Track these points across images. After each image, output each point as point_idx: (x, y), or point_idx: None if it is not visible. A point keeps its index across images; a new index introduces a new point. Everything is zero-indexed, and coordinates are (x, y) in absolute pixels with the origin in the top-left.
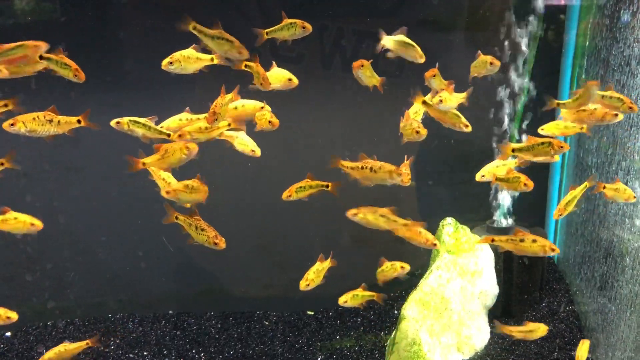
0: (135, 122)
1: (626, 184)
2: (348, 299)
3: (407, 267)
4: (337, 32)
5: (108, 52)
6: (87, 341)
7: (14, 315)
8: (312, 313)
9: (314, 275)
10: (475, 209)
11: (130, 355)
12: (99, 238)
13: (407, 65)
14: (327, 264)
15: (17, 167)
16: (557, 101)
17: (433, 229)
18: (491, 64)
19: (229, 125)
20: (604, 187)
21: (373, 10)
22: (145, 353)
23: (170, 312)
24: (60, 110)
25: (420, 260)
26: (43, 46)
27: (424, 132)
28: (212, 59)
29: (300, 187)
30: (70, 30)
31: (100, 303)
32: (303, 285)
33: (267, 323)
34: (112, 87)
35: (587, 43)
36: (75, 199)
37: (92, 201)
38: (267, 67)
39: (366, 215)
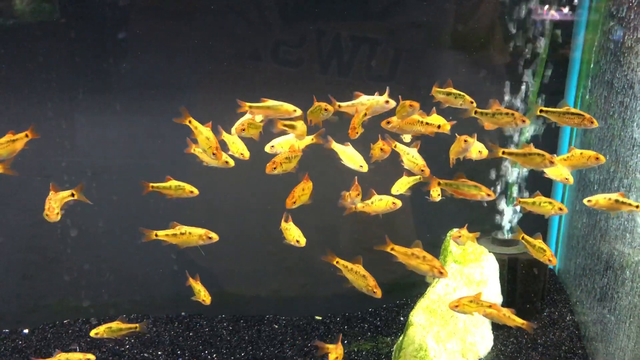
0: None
1: None
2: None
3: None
4: (335, 37)
5: (108, 54)
6: (136, 325)
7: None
8: (320, 318)
9: (300, 193)
10: (480, 221)
11: (145, 355)
12: (115, 241)
13: (399, 71)
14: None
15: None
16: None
17: (440, 240)
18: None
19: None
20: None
21: (366, 15)
22: (159, 353)
23: (183, 313)
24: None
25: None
26: None
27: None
28: None
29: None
30: (70, 32)
31: (115, 303)
32: (289, 203)
33: (276, 326)
34: (113, 88)
35: (592, 65)
36: (93, 201)
37: (108, 203)
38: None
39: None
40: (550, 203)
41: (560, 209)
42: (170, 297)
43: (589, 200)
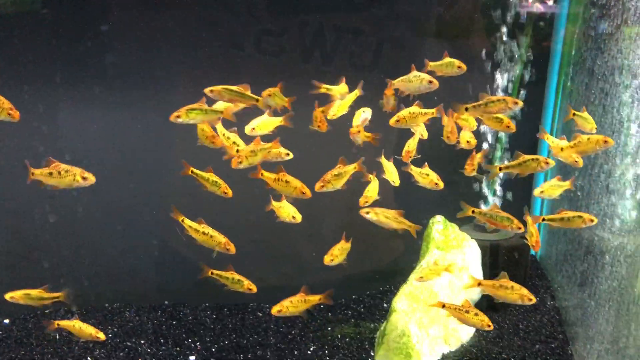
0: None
1: (607, 186)
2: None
3: None
4: (318, 26)
5: (90, 45)
6: (60, 294)
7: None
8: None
9: (338, 252)
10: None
11: (128, 343)
12: (98, 230)
13: (382, 60)
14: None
15: None
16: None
17: (423, 226)
18: (459, 67)
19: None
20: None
21: (349, 5)
22: (142, 341)
23: (166, 302)
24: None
25: (414, 255)
26: None
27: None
28: None
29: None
30: (51, 22)
31: (97, 293)
32: (327, 260)
33: (260, 314)
34: (95, 80)
35: (573, 52)
36: (77, 191)
37: (92, 193)
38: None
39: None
40: (579, 217)
41: (591, 220)
42: (153, 286)
43: (541, 192)
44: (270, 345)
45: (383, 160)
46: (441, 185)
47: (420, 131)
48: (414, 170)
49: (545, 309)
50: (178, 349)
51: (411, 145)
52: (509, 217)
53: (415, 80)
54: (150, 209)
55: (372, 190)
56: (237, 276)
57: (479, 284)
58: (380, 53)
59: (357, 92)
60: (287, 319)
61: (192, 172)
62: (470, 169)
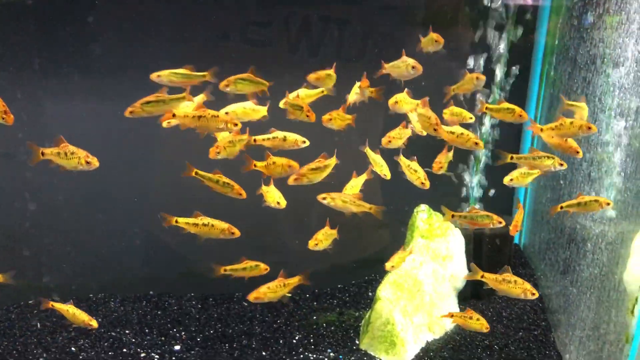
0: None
1: (589, 174)
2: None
3: None
4: (304, 18)
5: (73, 33)
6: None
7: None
8: (290, 295)
9: (322, 237)
10: (447, 197)
11: (113, 334)
12: (82, 220)
13: (368, 51)
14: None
15: None
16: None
17: (408, 216)
18: (413, 67)
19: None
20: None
21: None
22: (127, 331)
23: (151, 292)
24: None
25: (398, 244)
26: None
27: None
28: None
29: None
30: (37, 13)
31: (82, 284)
32: (312, 244)
33: (246, 304)
34: (78, 69)
35: (556, 42)
36: (60, 181)
37: (76, 183)
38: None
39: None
40: (596, 201)
41: (607, 204)
42: (139, 277)
43: (510, 180)
44: (255, 334)
45: (368, 151)
46: (427, 185)
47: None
48: (402, 161)
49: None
50: (163, 338)
51: (443, 160)
52: (488, 214)
53: (402, 65)
54: (134, 198)
55: (353, 188)
56: (207, 219)
57: (482, 276)
58: (367, 44)
59: (324, 91)
60: (273, 308)
61: (196, 173)
62: (437, 167)
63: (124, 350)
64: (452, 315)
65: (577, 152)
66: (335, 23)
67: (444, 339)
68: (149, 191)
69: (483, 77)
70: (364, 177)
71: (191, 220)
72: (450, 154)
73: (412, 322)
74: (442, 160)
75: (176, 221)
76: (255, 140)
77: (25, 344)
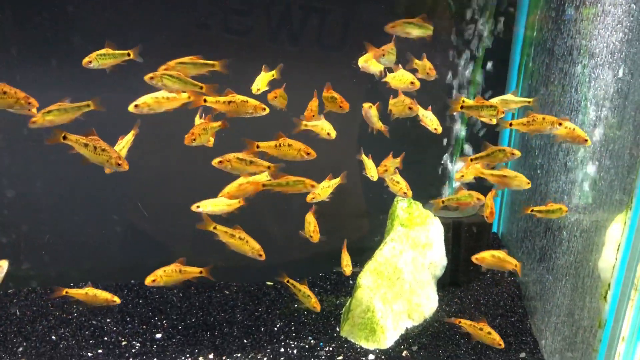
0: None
1: (565, 164)
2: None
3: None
4: (285, 6)
5: (55, 26)
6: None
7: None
8: (271, 284)
9: (320, 190)
10: (426, 187)
11: (94, 322)
12: (63, 208)
13: (350, 40)
14: (337, 181)
15: None
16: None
17: (388, 205)
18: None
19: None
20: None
21: None
22: (108, 320)
23: (133, 281)
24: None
25: (379, 232)
26: None
27: (416, 108)
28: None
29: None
30: (16, 3)
31: (62, 272)
32: (309, 198)
33: (227, 292)
34: (61, 63)
35: (535, 34)
36: (40, 169)
37: (56, 171)
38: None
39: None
40: (502, 151)
41: (512, 154)
42: (120, 265)
43: (461, 176)
44: (237, 322)
45: (364, 157)
46: (410, 194)
47: (435, 125)
48: (387, 178)
49: (506, 284)
50: (144, 326)
51: (388, 164)
52: (470, 193)
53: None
54: (119, 188)
55: (323, 190)
56: (244, 235)
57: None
58: (347, 33)
59: (273, 74)
60: (255, 296)
61: (214, 228)
62: (382, 170)
63: (105, 338)
64: (460, 322)
65: (586, 141)
66: (316, 11)
67: (423, 326)
68: (129, 179)
69: (418, 84)
70: (337, 181)
71: (230, 230)
72: (398, 159)
73: (392, 309)
74: (388, 164)
75: (215, 227)
76: (258, 146)
77: (5, 332)
